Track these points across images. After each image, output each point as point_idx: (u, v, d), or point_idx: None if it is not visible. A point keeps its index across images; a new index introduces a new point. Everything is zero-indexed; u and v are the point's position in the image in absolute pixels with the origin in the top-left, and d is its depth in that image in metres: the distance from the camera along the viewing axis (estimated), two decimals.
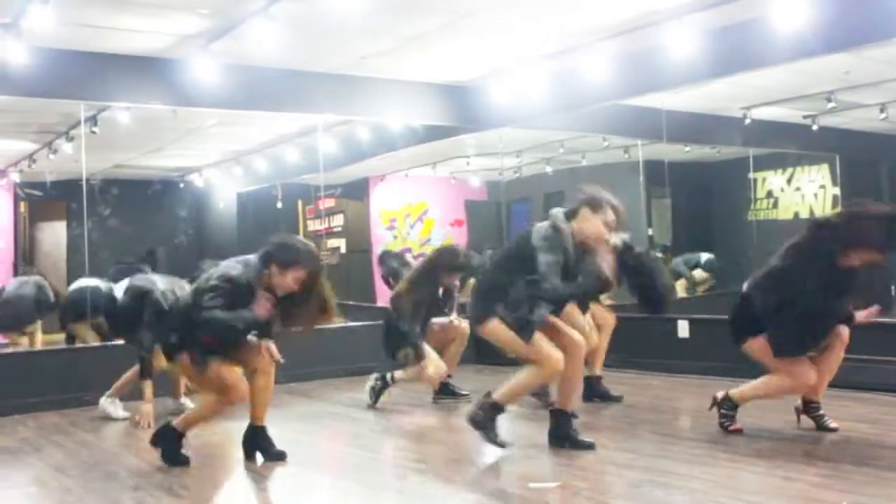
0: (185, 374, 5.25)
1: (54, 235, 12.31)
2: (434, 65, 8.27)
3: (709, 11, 6.63)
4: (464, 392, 6.91)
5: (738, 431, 5.16)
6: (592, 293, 6.02)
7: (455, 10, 6.61)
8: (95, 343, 7.83)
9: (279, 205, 12.07)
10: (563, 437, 5.03)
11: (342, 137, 10.06)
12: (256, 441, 5.00)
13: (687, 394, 6.93)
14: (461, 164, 11.70)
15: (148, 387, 6.34)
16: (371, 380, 6.80)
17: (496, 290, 4.92)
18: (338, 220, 12.47)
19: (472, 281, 7.35)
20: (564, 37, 7.39)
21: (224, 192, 12.61)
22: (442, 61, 8.14)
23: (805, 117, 8.90)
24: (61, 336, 8.91)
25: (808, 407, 5.20)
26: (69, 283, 9.78)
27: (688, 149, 10.07)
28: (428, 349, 6.62)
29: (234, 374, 4.85)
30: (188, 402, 6.73)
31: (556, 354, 4.84)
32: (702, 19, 6.74)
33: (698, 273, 10.25)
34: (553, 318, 4.97)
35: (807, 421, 5.21)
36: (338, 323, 5.03)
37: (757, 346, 5.05)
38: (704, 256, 10.39)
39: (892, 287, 9.79)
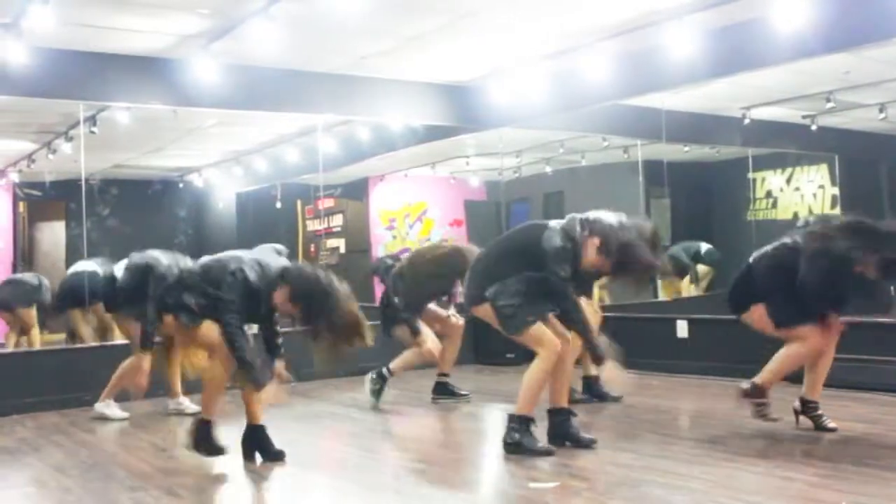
0: (173, 332, 5.23)
1: (53, 235, 12.31)
2: (434, 65, 8.26)
3: (709, 11, 6.63)
4: (463, 392, 6.91)
5: (776, 420, 5.10)
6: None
7: (455, 10, 6.61)
8: (90, 338, 7.84)
9: (278, 205, 12.08)
10: (563, 435, 5.02)
11: (342, 137, 10.06)
12: (255, 441, 5.00)
13: (686, 394, 6.94)
14: (461, 164, 11.70)
15: (147, 360, 6.29)
16: (368, 381, 6.80)
17: (493, 277, 4.91)
18: (337, 220, 12.46)
19: None
20: (564, 37, 7.39)
21: (223, 192, 12.61)
22: (442, 61, 8.13)
23: (804, 117, 8.90)
24: (60, 336, 8.92)
25: (807, 407, 5.20)
26: None
27: (687, 149, 10.07)
28: (423, 326, 6.65)
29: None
30: (186, 401, 6.74)
31: (550, 335, 4.83)
32: (702, 19, 6.74)
33: (700, 268, 10.21)
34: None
35: (805, 421, 5.21)
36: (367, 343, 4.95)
37: (757, 316, 5.09)
38: (704, 247, 10.32)
39: (893, 288, 9.80)
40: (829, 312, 5.02)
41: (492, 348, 8.53)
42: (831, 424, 5.11)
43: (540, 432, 4.99)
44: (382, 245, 11.93)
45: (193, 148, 10.82)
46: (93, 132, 8.22)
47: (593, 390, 6.54)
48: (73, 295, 7.97)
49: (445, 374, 6.92)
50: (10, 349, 8.82)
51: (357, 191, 12.28)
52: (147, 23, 6.63)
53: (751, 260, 5.21)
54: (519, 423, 4.90)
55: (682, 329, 7.71)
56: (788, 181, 10.22)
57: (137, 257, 6.62)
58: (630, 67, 7.73)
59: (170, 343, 6.67)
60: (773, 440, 5.02)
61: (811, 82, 7.91)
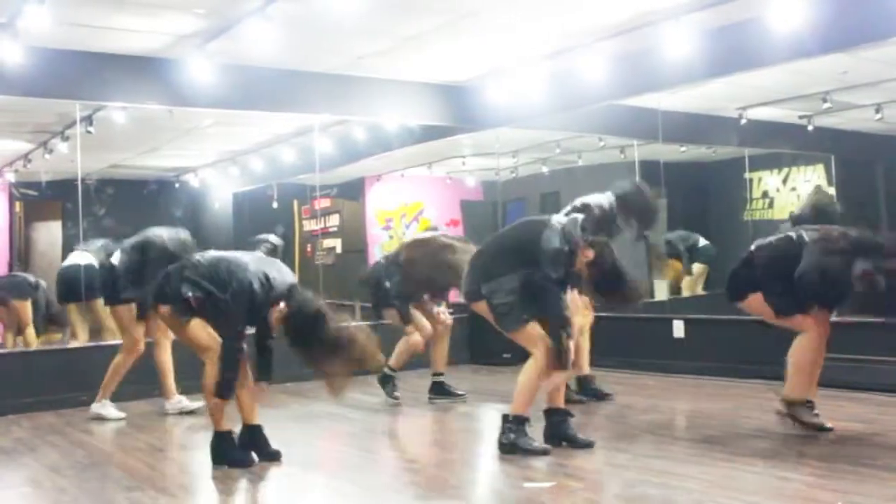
0: (166, 323, 5.21)
1: (49, 235, 12.27)
2: (431, 65, 8.26)
3: (706, 11, 6.63)
4: (459, 392, 6.91)
5: (830, 429, 5.03)
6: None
7: (452, 10, 6.61)
8: (85, 335, 7.82)
9: (275, 205, 12.06)
10: (560, 436, 5.02)
11: (338, 137, 10.05)
12: (251, 441, 4.99)
13: (683, 394, 6.94)
14: (457, 164, 11.70)
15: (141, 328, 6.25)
16: (380, 386, 6.82)
17: (491, 273, 4.90)
18: (333, 220, 12.46)
19: None
20: (561, 37, 7.39)
21: (220, 192, 12.59)
22: (438, 61, 8.13)
23: (801, 117, 8.90)
24: (56, 336, 8.92)
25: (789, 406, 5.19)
26: None
27: (684, 149, 10.07)
28: (414, 312, 6.67)
29: (211, 333, 4.83)
30: (184, 400, 6.73)
31: (545, 336, 4.83)
32: (699, 19, 6.74)
33: (696, 266, 10.18)
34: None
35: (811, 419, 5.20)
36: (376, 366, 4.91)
37: (755, 303, 5.11)
38: (702, 241, 10.28)
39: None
40: (823, 308, 5.02)
41: (488, 348, 8.52)
42: (828, 424, 5.07)
43: (536, 433, 4.99)
44: (379, 245, 11.93)
45: (190, 148, 10.80)
46: (89, 132, 8.21)
47: (587, 389, 6.54)
48: (69, 289, 7.93)
49: (440, 374, 6.92)
50: (6, 349, 8.81)
51: (353, 191, 12.27)
52: (143, 22, 6.62)
53: (753, 247, 5.20)
54: (514, 423, 4.89)
55: (678, 329, 7.72)
56: (785, 181, 10.22)
57: (134, 237, 6.61)
58: (627, 67, 7.74)
59: (160, 343, 6.68)
60: (770, 440, 5.02)
61: (808, 82, 7.92)
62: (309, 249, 12.30)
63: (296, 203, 12.51)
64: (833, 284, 4.77)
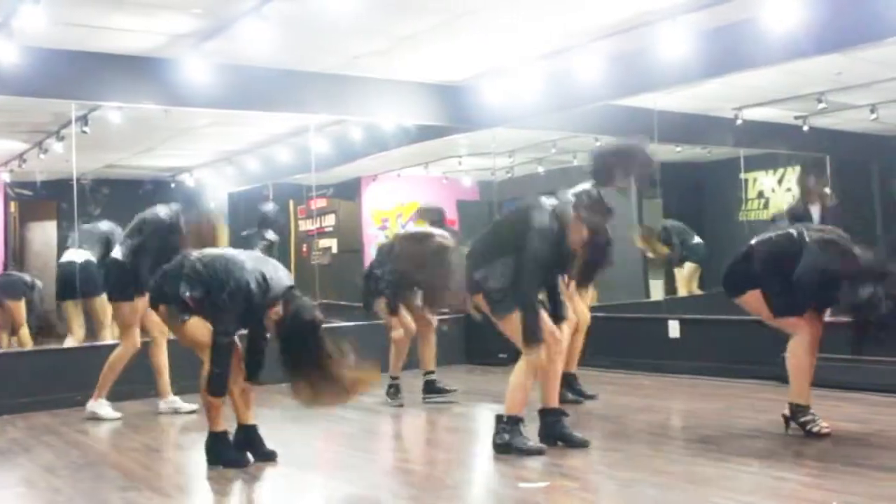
0: (164, 322, 5.21)
1: (44, 235, 12.25)
2: (427, 65, 8.26)
3: (701, 12, 6.64)
4: (451, 388, 6.90)
5: (828, 434, 4.98)
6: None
7: (448, 10, 6.61)
8: (81, 335, 7.79)
9: (270, 205, 12.03)
10: (555, 436, 5.01)
11: (334, 137, 10.04)
12: (247, 441, 4.99)
13: (678, 394, 6.94)
14: (453, 164, 11.69)
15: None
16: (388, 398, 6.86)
17: (484, 259, 4.91)
18: (329, 220, 12.44)
19: None
20: (557, 37, 7.39)
21: (215, 191, 12.57)
22: (435, 61, 8.13)
23: (796, 118, 8.91)
24: (50, 336, 8.88)
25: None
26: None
27: (679, 149, 10.07)
28: (403, 312, 6.70)
29: (209, 333, 4.81)
30: (177, 401, 6.72)
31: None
32: (694, 20, 6.75)
33: (687, 266, 10.12)
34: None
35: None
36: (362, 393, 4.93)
37: (753, 301, 5.08)
38: (696, 239, 10.23)
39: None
40: (818, 308, 5.03)
41: (483, 348, 8.53)
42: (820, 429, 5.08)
43: (531, 433, 4.99)
44: (375, 245, 11.92)
45: (185, 148, 10.78)
46: (84, 132, 8.20)
47: (573, 388, 6.52)
48: (66, 286, 7.89)
49: (431, 372, 6.92)
50: (1, 349, 8.80)
51: (349, 191, 12.27)
52: (139, 22, 6.61)
53: (753, 242, 5.18)
54: (508, 424, 4.89)
55: (673, 329, 7.72)
56: (780, 182, 10.22)
57: (129, 225, 6.63)
58: (622, 68, 7.75)
59: (157, 342, 6.68)
60: (765, 440, 5.02)
61: (803, 83, 7.93)
62: (305, 249, 12.29)
63: (291, 203, 12.50)
64: (832, 288, 4.77)
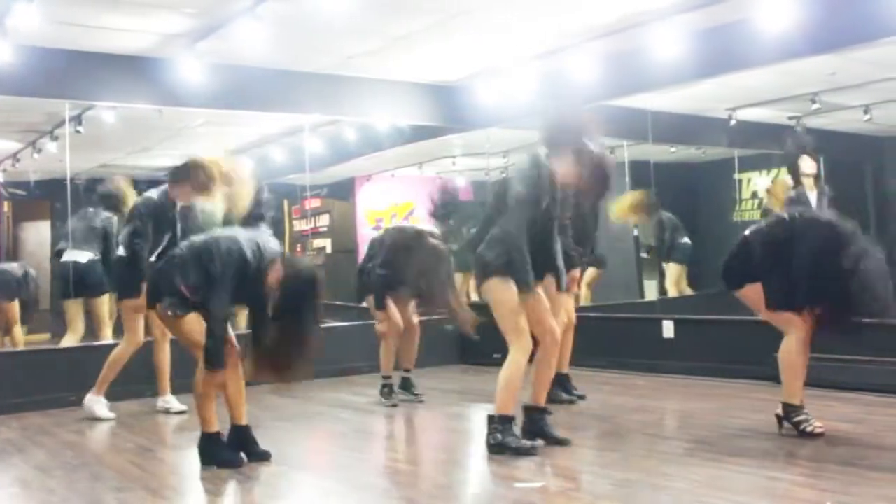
0: (162, 321, 5.18)
1: (38, 235, 12.25)
2: (421, 65, 8.27)
3: (695, 13, 6.65)
4: (420, 394, 6.89)
5: (822, 433, 4.97)
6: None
7: (443, 10, 6.62)
8: (80, 335, 7.77)
9: None
10: (537, 432, 5.01)
11: (328, 137, 10.05)
12: (240, 441, 4.98)
13: (672, 394, 6.95)
14: (447, 165, 11.70)
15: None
16: (406, 395, 6.86)
17: (481, 239, 4.91)
18: (324, 220, 12.45)
19: None
20: (551, 37, 7.40)
21: None
22: (429, 61, 8.14)
23: (790, 118, 8.94)
24: (45, 336, 8.84)
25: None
26: (52, 282, 9.80)
27: (673, 149, 10.09)
28: (390, 305, 6.69)
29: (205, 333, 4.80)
30: (172, 400, 6.71)
31: (526, 330, 4.82)
32: (688, 20, 6.76)
33: (672, 267, 10.07)
34: (538, 297, 4.93)
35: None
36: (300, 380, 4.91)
37: (752, 294, 5.05)
38: (685, 239, 10.18)
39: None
40: (812, 302, 5.01)
41: (477, 349, 8.52)
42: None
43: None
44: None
45: (180, 148, 10.76)
46: (78, 131, 8.20)
47: (566, 388, 6.52)
48: (70, 285, 7.83)
49: (408, 371, 6.95)
50: None
51: (344, 191, 12.27)
52: (132, 22, 6.61)
53: (746, 233, 5.16)
54: (500, 423, 4.87)
55: (668, 329, 7.73)
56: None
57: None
58: (617, 68, 7.76)
59: (159, 343, 6.67)
60: (759, 440, 5.03)
61: (797, 83, 7.95)
62: (299, 249, 12.29)
63: (286, 203, 12.50)
64: (827, 267, 4.75)
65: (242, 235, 4.85)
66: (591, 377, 7.22)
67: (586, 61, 7.66)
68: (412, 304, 6.86)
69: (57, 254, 8.26)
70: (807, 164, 6.79)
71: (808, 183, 6.77)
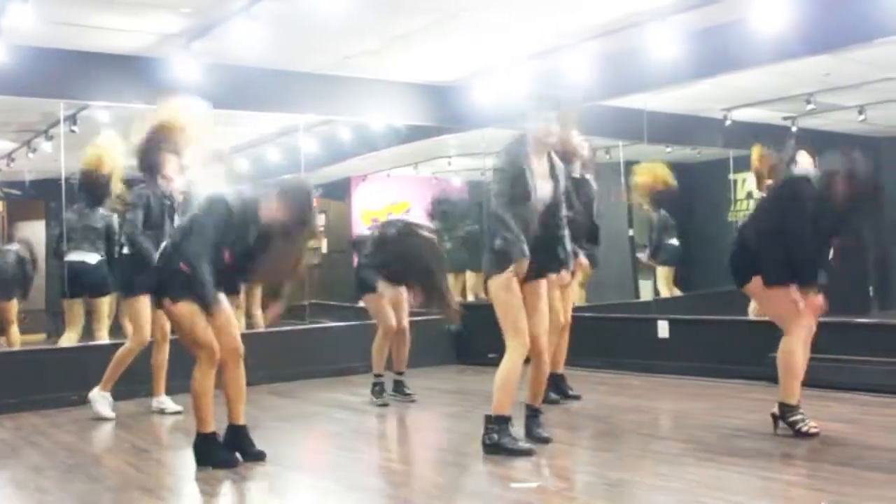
0: (169, 317, 5.16)
1: (33, 235, 12.20)
2: (417, 65, 8.27)
3: (691, 13, 6.66)
4: (412, 394, 6.90)
5: (817, 433, 4.97)
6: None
7: (439, 9, 6.62)
8: (78, 336, 7.76)
9: None
10: (525, 431, 5.02)
11: (324, 137, 10.04)
12: (236, 441, 4.98)
13: (667, 394, 6.95)
14: (443, 165, 11.70)
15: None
16: (398, 398, 6.88)
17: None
18: (319, 220, 12.42)
19: None
20: (548, 37, 7.41)
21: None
22: (425, 61, 8.14)
23: (785, 119, 8.95)
24: (41, 336, 8.81)
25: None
26: (47, 281, 9.74)
27: (669, 150, 10.10)
28: (385, 306, 6.69)
29: (209, 334, 4.79)
30: (167, 401, 6.70)
31: (524, 328, 4.82)
32: (684, 21, 6.77)
33: (660, 269, 10.04)
34: (537, 291, 4.94)
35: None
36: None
37: (757, 287, 5.06)
38: (674, 241, 10.14)
39: (870, 288, 9.87)
40: (811, 277, 5.01)
41: (473, 348, 8.53)
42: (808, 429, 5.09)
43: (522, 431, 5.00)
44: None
45: None
46: (73, 131, 8.17)
47: (560, 388, 6.51)
48: (75, 285, 7.78)
49: (401, 373, 6.94)
50: None
51: (339, 191, 12.26)
52: (128, 21, 6.60)
53: (739, 224, 5.19)
54: (496, 424, 4.87)
55: (662, 329, 7.74)
56: None
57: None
58: (612, 68, 7.76)
59: (159, 344, 6.66)
60: (754, 440, 5.03)
61: (792, 84, 7.96)
62: None
63: None
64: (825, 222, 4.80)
65: (229, 194, 4.88)
66: (587, 377, 7.22)
67: (582, 61, 7.67)
68: (405, 305, 6.86)
69: (57, 254, 8.21)
70: (804, 159, 6.83)
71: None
